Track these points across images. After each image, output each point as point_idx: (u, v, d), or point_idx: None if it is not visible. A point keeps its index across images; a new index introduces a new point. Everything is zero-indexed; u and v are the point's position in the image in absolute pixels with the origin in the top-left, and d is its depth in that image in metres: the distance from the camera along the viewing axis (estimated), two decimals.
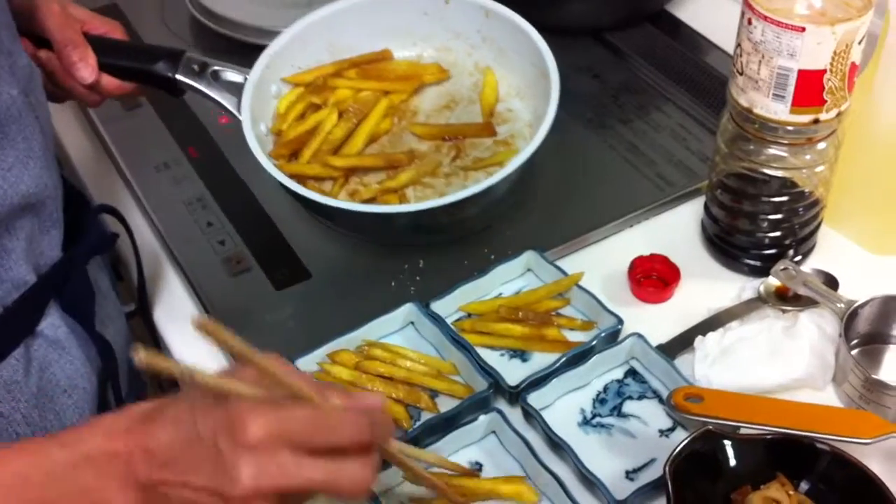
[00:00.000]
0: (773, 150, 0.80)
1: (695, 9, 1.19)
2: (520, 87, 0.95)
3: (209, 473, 0.52)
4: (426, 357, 0.81)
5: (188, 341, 0.85)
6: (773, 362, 0.77)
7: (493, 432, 0.76)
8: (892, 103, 0.82)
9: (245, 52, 0.99)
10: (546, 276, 0.86)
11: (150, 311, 0.89)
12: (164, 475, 0.53)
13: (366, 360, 0.79)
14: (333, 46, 0.96)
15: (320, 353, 0.80)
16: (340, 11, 0.96)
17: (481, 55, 0.97)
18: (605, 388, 0.79)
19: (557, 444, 0.73)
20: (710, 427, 0.69)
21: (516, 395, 0.77)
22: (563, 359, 0.78)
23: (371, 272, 0.89)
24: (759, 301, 0.84)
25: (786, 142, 0.79)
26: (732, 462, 0.69)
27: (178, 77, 0.87)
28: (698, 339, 0.80)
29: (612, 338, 0.80)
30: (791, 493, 0.67)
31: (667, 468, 0.66)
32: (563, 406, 0.77)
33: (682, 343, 0.81)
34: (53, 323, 0.71)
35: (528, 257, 0.87)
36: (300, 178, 0.86)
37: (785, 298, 0.83)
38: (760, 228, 0.85)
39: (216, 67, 0.89)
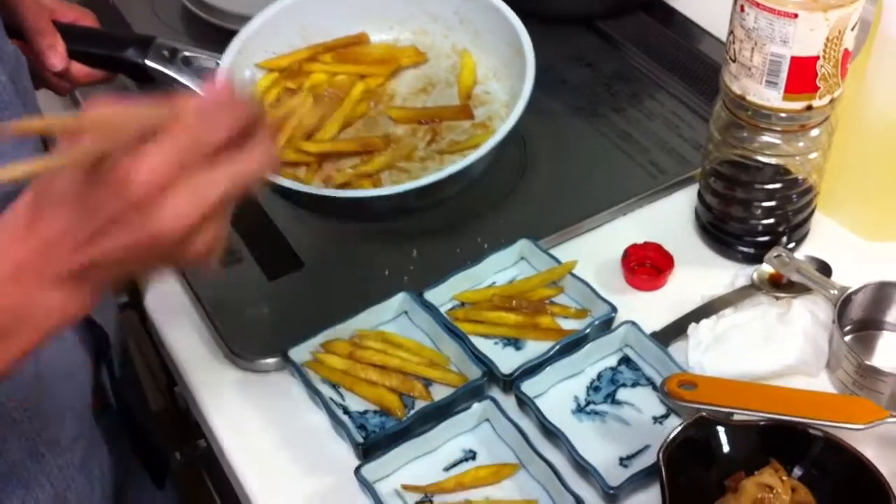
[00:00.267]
0: (766, 138, 0.80)
1: None
2: (496, 67, 0.93)
3: (130, 229, 0.49)
4: (420, 346, 0.80)
5: (181, 333, 0.85)
6: (767, 349, 0.77)
7: (487, 420, 0.76)
8: (884, 90, 0.82)
9: None
10: (539, 265, 0.86)
11: (142, 303, 0.89)
12: (80, 257, 0.50)
13: (359, 349, 0.79)
14: (306, 31, 0.95)
15: (314, 342, 0.80)
16: None
17: (458, 37, 0.96)
18: (599, 376, 0.79)
19: (551, 432, 0.73)
20: (704, 414, 0.69)
21: (510, 383, 0.77)
22: (557, 347, 0.78)
23: (364, 261, 0.89)
24: (752, 288, 0.84)
25: (779, 129, 0.79)
26: (726, 448, 0.69)
27: (148, 63, 0.86)
28: (692, 327, 0.80)
29: (606, 325, 0.81)
30: (784, 478, 0.67)
31: (660, 455, 0.66)
32: (557, 394, 0.77)
33: (675, 330, 0.81)
34: None
35: (522, 246, 0.87)
36: None
37: (778, 285, 0.83)
38: (754, 216, 0.85)
39: (187, 53, 0.88)
